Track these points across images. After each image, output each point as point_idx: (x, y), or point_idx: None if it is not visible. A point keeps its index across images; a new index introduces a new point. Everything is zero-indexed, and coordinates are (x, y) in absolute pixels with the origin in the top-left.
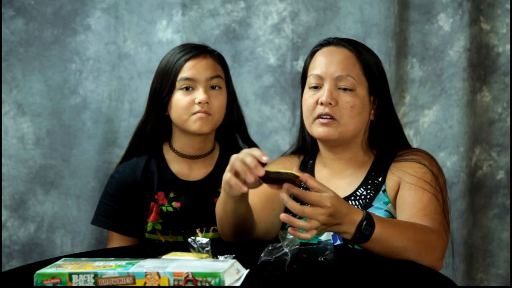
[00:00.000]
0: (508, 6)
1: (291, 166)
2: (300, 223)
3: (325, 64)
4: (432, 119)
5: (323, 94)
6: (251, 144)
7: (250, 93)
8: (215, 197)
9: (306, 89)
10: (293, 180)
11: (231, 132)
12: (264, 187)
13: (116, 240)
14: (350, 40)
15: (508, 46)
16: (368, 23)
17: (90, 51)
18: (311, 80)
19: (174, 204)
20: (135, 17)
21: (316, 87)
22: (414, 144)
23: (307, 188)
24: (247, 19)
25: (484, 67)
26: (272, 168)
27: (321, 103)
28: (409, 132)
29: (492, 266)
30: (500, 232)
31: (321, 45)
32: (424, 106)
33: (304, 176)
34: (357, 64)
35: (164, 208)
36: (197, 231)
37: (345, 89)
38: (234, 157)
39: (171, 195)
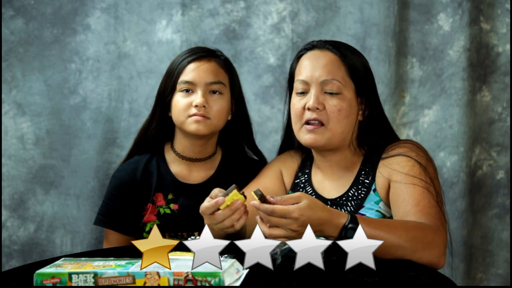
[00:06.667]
0: (508, 6)
1: (293, 166)
2: (263, 227)
3: (310, 68)
4: (432, 119)
5: (309, 99)
6: (257, 151)
7: (250, 93)
8: None
9: (294, 95)
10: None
11: (236, 137)
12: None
13: (111, 238)
14: (335, 42)
15: (508, 46)
16: (368, 23)
17: (90, 51)
18: (297, 86)
19: (172, 206)
20: (134, 17)
21: (303, 93)
22: None
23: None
24: (246, 19)
25: (484, 67)
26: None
27: (308, 108)
28: (409, 132)
29: (492, 266)
30: (500, 232)
31: (306, 49)
32: (424, 106)
33: (273, 200)
34: (342, 67)
35: (161, 210)
36: (195, 234)
37: (331, 93)
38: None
39: (170, 196)
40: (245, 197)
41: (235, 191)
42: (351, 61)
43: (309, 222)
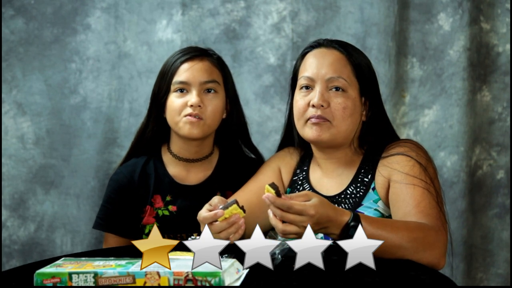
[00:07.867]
0: (508, 5)
1: (291, 163)
2: (275, 222)
3: (316, 66)
4: (432, 118)
5: (314, 96)
6: (253, 149)
7: (250, 92)
8: None
9: (297, 91)
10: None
11: (232, 136)
12: (254, 190)
13: (111, 241)
14: (341, 41)
15: (508, 46)
16: (368, 23)
17: (90, 50)
18: (302, 81)
19: (170, 207)
20: (135, 17)
21: (307, 87)
22: None
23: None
24: (247, 19)
25: (484, 66)
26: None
27: (313, 106)
28: (409, 132)
29: (492, 266)
30: (500, 231)
31: (312, 47)
32: (424, 106)
33: (284, 197)
34: (348, 66)
35: (160, 211)
36: (195, 235)
37: (337, 89)
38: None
39: (168, 198)
40: (244, 211)
41: (235, 205)
42: (357, 60)
43: (320, 220)
